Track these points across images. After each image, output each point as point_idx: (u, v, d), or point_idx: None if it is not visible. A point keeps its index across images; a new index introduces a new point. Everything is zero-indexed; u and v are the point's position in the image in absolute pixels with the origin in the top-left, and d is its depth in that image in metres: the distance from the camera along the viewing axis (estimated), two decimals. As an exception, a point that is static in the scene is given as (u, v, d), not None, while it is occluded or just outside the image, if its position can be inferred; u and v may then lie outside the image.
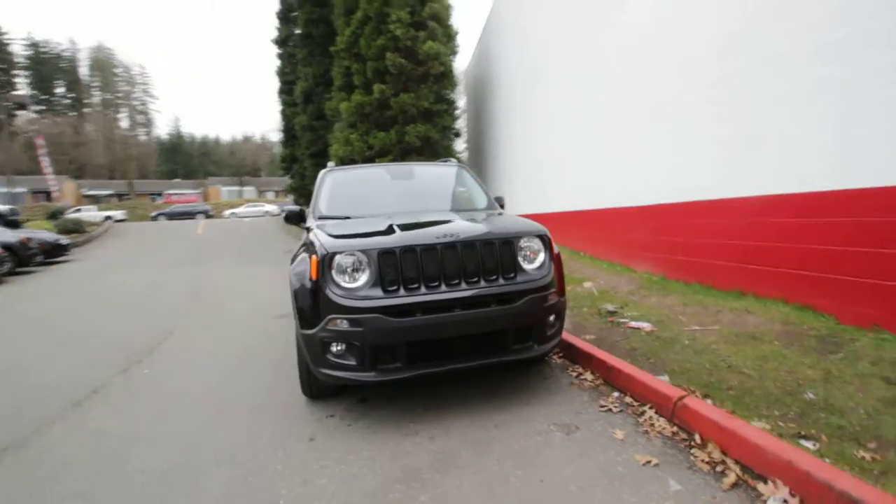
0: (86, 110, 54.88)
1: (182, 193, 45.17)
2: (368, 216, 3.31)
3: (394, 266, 2.44)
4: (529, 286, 2.60)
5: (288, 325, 5.20)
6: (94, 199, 41.81)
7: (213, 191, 49.20)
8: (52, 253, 12.42)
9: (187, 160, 61.92)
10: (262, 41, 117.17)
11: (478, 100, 15.15)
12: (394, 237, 2.53)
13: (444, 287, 2.48)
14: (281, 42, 20.07)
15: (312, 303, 2.49)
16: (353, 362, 2.41)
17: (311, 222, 3.45)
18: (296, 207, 3.75)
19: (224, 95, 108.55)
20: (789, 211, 3.74)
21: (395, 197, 3.68)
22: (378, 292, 2.42)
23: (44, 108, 53.35)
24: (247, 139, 71.81)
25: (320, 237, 2.69)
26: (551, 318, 2.74)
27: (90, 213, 28.83)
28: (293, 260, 2.86)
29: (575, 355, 3.33)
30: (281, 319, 5.43)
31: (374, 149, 13.06)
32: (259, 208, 34.86)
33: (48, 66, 53.97)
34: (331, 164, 4.08)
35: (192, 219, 31.27)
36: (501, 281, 2.58)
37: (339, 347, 2.45)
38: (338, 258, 2.47)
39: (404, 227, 2.69)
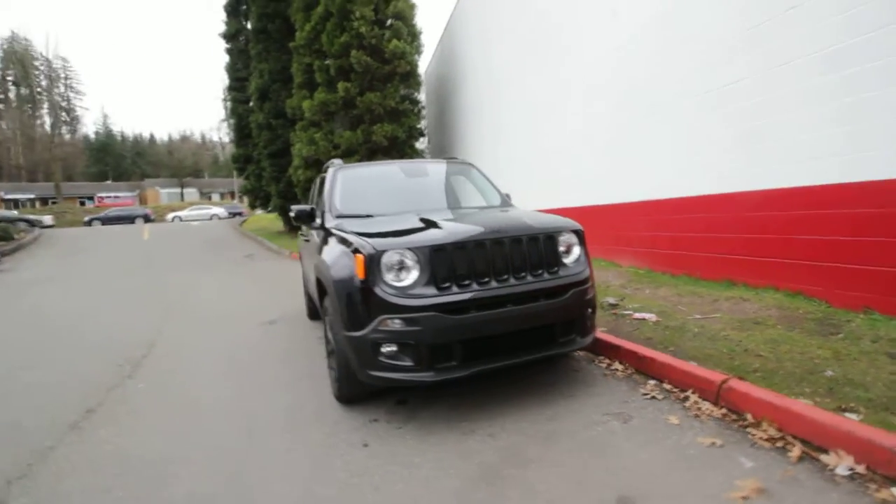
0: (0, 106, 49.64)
1: (116, 196, 41.91)
2: (392, 214, 3.23)
3: (446, 263, 2.40)
4: (572, 280, 2.65)
5: (279, 331, 5.00)
6: (14, 204, 37.90)
7: (151, 193, 46.04)
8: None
9: (119, 161, 57.60)
10: (197, 34, 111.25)
11: (440, 99, 15.18)
12: (443, 233, 2.49)
13: (494, 283, 2.46)
14: (230, 37, 19.13)
15: (361, 303, 2.40)
16: (408, 363, 2.35)
17: (327, 221, 3.32)
18: (306, 206, 3.58)
19: (157, 92, 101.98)
20: (777, 205, 4.04)
21: (412, 194, 3.61)
22: (431, 290, 2.37)
23: (-53, 104, 47.77)
24: (185, 138, 67.96)
25: (358, 235, 2.60)
26: (590, 310, 2.80)
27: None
28: (315, 260, 2.74)
29: (598, 347, 3.42)
30: (270, 326, 5.19)
31: (341, 148, 12.76)
32: (206, 211, 33.07)
33: (-48, 58, 48.38)
34: (337, 160, 3.93)
35: (131, 223, 29.14)
36: (546, 275, 2.60)
37: (390, 348, 2.37)
38: (386, 256, 2.39)
39: (447, 224, 2.64)
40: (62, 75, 55.11)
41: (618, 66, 5.98)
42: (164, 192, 46.58)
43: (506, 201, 3.82)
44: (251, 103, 18.78)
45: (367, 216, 3.27)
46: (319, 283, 3.12)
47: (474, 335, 2.38)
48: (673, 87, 5.13)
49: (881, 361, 2.70)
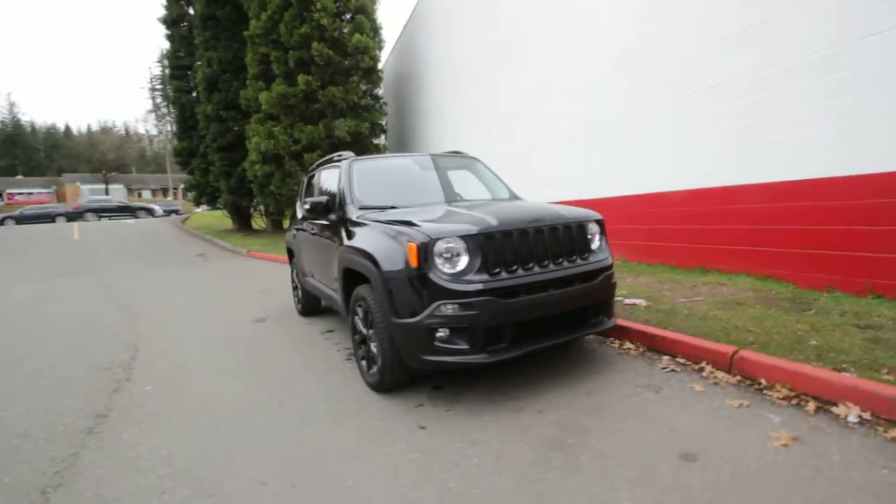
0: None
1: (30, 193, 37.84)
2: (419, 205, 3.30)
3: (495, 249, 2.52)
4: (601, 265, 2.87)
5: (272, 328, 4.87)
6: None
7: (70, 189, 41.96)
8: None
9: (30, 154, 52.06)
10: (117, 18, 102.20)
11: (400, 97, 15.14)
12: (490, 222, 2.60)
13: (537, 268, 2.62)
14: (171, 22, 17.90)
15: (414, 291, 2.47)
16: (464, 346, 2.45)
17: (350, 212, 3.32)
18: (323, 198, 3.55)
19: (72, 80, 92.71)
20: (745, 199, 4.52)
21: (430, 186, 3.68)
22: (483, 276, 2.48)
23: None
24: (106, 130, 62.49)
25: (403, 224, 2.67)
26: (614, 293, 3.03)
27: None
28: (334, 256, 2.78)
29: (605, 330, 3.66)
30: (261, 324, 5.04)
31: (301, 143, 12.41)
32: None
33: None
34: (348, 153, 3.91)
35: (52, 222, 26.48)
36: (579, 261, 2.80)
37: (444, 333, 2.46)
38: (439, 244, 2.47)
39: (487, 213, 2.77)
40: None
41: (584, 68, 6.35)
42: (85, 189, 42.56)
43: (514, 194, 4.00)
44: (195, 94, 17.75)
45: (392, 207, 3.31)
46: (349, 273, 3.12)
47: (523, 318, 2.53)
48: (644, 92, 5.54)
49: (852, 331, 3.14)
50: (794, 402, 2.39)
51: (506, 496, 1.83)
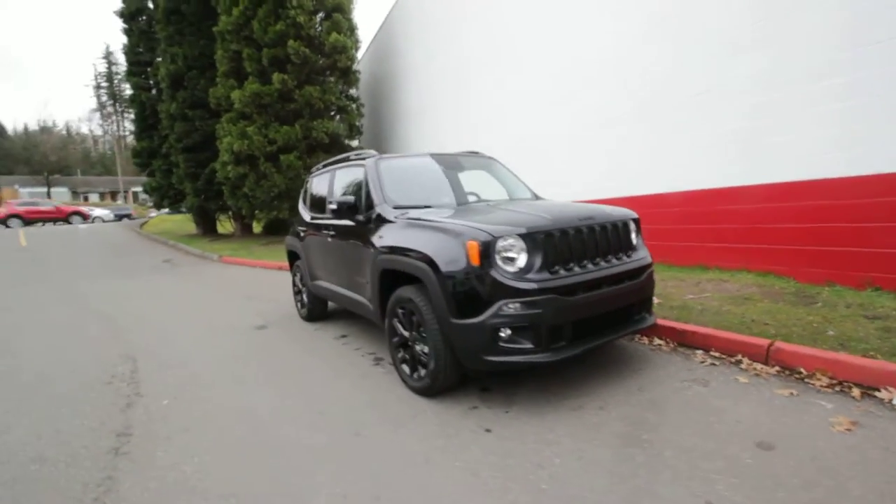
0: None
1: (-41, 196, 34.63)
2: (446, 206, 3.27)
3: (554, 248, 2.52)
4: (645, 262, 2.93)
5: (279, 335, 4.66)
6: None
7: (7, 192, 38.79)
8: None
9: (-43, 154, 47.69)
10: (54, 9, 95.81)
11: (376, 98, 14.96)
12: (547, 220, 2.60)
13: (590, 266, 2.64)
14: (129, 16, 16.92)
15: (476, 290, 2.42)
16: (528, 345, 2.42)
17: (385, 212, 3.22)
18: (350, 198, 3.43)
19: (6, 76, 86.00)
20: (744, 199, 4.74)
21: (457, 186, 3.63)
22: (544, 274, 2.47)
23: None
24: (46, 130, 58.25)
25: (459, 224, 2.62)
26: (653, 291, 3.10)
27: None
28: (365, 259, 2.75)
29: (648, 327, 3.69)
30: (264, 331, 4.82)
31: (277, 144, 12.01)
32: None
33: None
34: (371, 151, 3.81)
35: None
36: (625, 258, 2.84)
37: (507, 332, 2.43)
38: (501, 242, 2.44)
39: (540, 212, 2.76)
40: None
41: (584, 69, 6.50)
42: (24, 192, 39.46)
43: (535, 194, 4.02)
44: (154, 91, 16.88)
45: (426, 206, 3.25)
46: (386, 274, 3.03)
47: (583, 316, 2.53)
48: (627, 103, 5.73)
49: (863, 322, 3.34)
50: (837, 388, 2.51)
51: (604, 495, 1.82)
